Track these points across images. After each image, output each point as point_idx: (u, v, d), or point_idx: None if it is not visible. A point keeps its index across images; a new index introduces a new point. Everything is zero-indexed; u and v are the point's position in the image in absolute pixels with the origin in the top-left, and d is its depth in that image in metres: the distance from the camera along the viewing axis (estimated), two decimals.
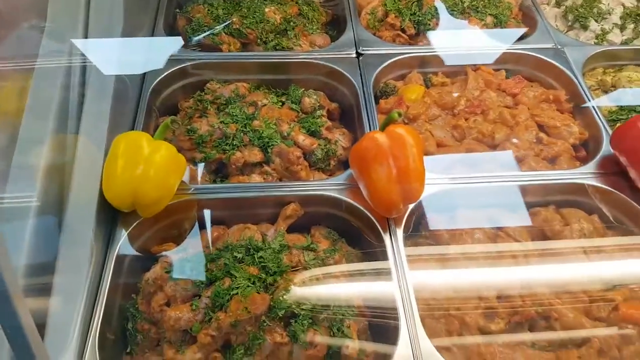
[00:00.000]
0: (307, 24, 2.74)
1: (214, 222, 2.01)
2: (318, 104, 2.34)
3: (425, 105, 2.39)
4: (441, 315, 1.80)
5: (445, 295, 1.84)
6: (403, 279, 1.80)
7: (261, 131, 2.18)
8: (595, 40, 2.81)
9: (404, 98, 2.40)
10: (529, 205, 2.08)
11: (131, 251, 1.89)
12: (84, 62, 2.04)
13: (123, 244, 1.86)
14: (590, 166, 2.16)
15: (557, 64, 2.56)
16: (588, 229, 2.00)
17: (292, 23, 2.68)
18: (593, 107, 2.37)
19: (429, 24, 2.72)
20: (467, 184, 2.09)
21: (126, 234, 1.88)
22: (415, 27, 2.73)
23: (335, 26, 2.89)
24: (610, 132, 2.24)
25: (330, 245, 1.94)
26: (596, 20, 2.84)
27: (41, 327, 1.53)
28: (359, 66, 2.50)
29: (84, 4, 2.10)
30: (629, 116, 2.33)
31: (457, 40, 2.71)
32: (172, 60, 2.47)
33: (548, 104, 2.45)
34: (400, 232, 1.92)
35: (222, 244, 1.88)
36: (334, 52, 2.57)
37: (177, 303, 1.73)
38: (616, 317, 1.80)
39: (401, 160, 1.82)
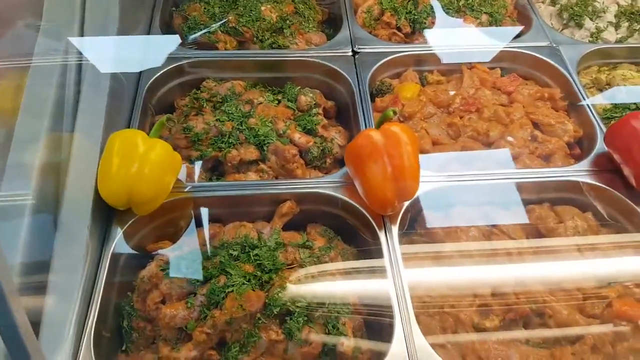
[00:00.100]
0: (303, 22, 2.74)
1: (210, 220, 2.01)
2: (314, 102, 2.34)
3: (421, 103, 2.39)
4: (436, 313, 1.81)
5: (440, 293, 1.85)
6: (398, 277, 1.80)
7: (257, 129, 2.18)
8: (590, 39, 2.82)
9: (400, 96, 2.41)
10: (524, 203, 2.09)
11: (126, 249, 1.89)
12: (80, 61, 2.05)
13: (118, 242, 1.86)
14: (585, 164, 2.17)
15: (552, 62, 2.56)
16: (582, 226, 2.01)
17: (288, 21, 2.69)
18: (587, 105, 2.38)
19: (425, 23, 2.73)
20: (462, 182, 2.10)
21: (121, 232, 1.88)
22: (411, 26, 2.74)
23: (331, 24, 2.90)
24: (604, 129, 2.24)
25: (326, 243, 1.95)
26: (591, 19, 2.85)
27: (36, 325, 1.54)
28: (355, 64, 2.51)
29: (79, 3, 2.10)
30: (623, 114, 2.33)
31: (452, 39, 2.72)
32: (168, 59, 2.47)
33: (543, 102, 2.46)
34: (395, 230, 1.93)
35: (218, 241, 1.88)
36: (330, 50, 2.58)
37: (173, 301, 1.74)
38: (610, 314, 1.81)
39: (396, 158, 1.83)
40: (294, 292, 1.72)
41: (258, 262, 1.78)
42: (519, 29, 2.78)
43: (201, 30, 2.60)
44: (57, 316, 1.61)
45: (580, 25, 2.83)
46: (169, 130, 2.21)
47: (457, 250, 1.94)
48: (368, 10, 2.78)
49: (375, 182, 1.85)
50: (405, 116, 2.35)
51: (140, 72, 2.40)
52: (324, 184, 2.07)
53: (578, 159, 2.25)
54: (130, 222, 1.91)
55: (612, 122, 2.31)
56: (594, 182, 2.11)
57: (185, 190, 2.01)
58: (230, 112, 2.24)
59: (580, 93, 2.43)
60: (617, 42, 2.82)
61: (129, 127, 2.18)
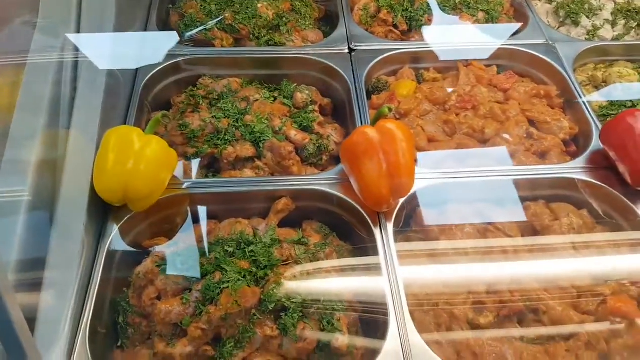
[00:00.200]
0: (299, 20, 2.75)
1: (206, 217, 2.01)
2: (310, 99, 2.34)
3: (417, 100, 2.39)
4: (431, 310, 1.81)
5: (435, 290, 1.85)
6: (393, 274, 1.81)
7: (253, 126, 2.18)
8: (587, 36, 2.82)
9: (396, 93, 2.41)
10: (519, 200, 2.09)
11: (122, 245, 1.89)
12: (76, 58, 2.05)
13: (114, 238, 1.87)
14: (580, 161, 2.17)
15: (548, 59, 2.57)
16: (577, 223, 2.02)
17: (284, 19, 2.69)
18: (583, 102, 2.38)
19: (421, 20, 2.73)
20: (458, 179, 2.10)
21: (117, 228, 1.89)
22: (407, 23, 2.74)
23: (327, 22, 2.90)
24: (600, 127, 2.25)
25: (322, 240, 1.95)
26: (587, 17, 2.85)
27: (32, 322, 1.54)
28: (351, 62, 2.51)
29: (76, 0, 2.10)
30: (619, 111, 2.33)
31: (449, 36, 2.72)
32: (164, 56, 2.47)
33: (539, 99, 2.46)
34: (390, 227, 1.93)
35: (214, 238, 1.88)
36: (327, 47, 2.58)
37: (168, 297, 1.74)
38: (604, 311, 1.82)
39: (391, 154, 1.84)
40: (289, 288, 1.72)
41: (253, 258, 1.78)
42: (515, 26, 2.78)
43: (198, 27, 2.60)
44: (53, 312, 1.61)
45: (576, 23, 2.83)
46: (165, 127, 2.21)
47: (452, 247, 1.94)
48: (364, 7, 2.79)
49: (371, 179, 1.86)
50: (402, 113, 2.36)
51: (137, 69, 2.41)
52: (320, 181, 2.07)
53: (574, 156, 2.25)
54: (126, 218, 1.91)
55: (607, 119, 2.32)
56: (589, 179, 2.11)
57: (181, 187, 2.02)
58: (226, 109, 2.25)
59: (577, 90, 2.44)
60: (613, 39, 2.82)
61: (125, 124, 2.18)
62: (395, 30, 2.74)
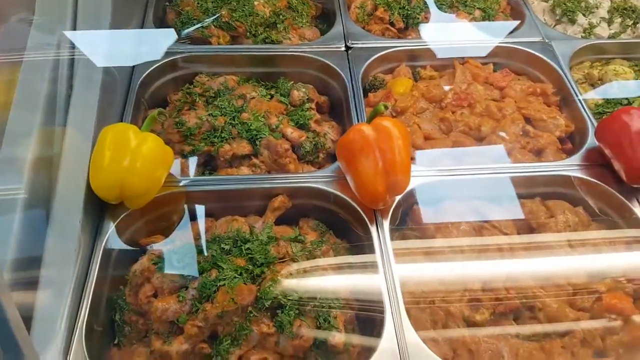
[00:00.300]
0: (296, 17, 2.75)
1: (203, 214, 2.02)
2: (307, 97, 2.35)
3: (413, 98, 2.40)
4: (427, 307, 1.82)
5: (431, 287, 1.86)
6: (389, 271, 1.81)
7: (250, 124, 2.18)
8: (583, 34, 2.82)
9: (393, 91, 2.41)
10: (515, 198, 2.09)
11: (119, 243, 1.89)
12: (73, 55, 2.05)
13: (111, 236, 1.87)
14: (576, 158, 2.18)
15: (544, 57, 2.57)
16: (573, 220, 2.02)
17: (281, 16, 2.69)
18: (579, 100, 2.39)
19: (418, 18, 2.73)
20: (454, 176, 2.11)
21: (114, 226, 1.89)
22: (404, 21, 2.74)
23: (324, 19, 2.90)
24: (596, 124, 2.25)
25: (318, 237, 1.96)
26: (584, 14, 2.85)
27: (28, 320, 1.54)
28: (348, 59, 2.51)
29: None
30: (615, 109, 2.34)
31: (445, 34, 2.72)
32: (161, 53, 2.47)
33: (535, 97, 2.47)
34: (387, 224, 1.93)
35: (210, 235, 1.89)
36: (323, 45, 2.58)
37: (165, 294, 1.74)
38: (600, 308, 1.83)
39: (387, 152, 1.84)
40: (286, 286, 1.73)
41: (250, 256, 1.79)
42: (511, 24, 2.78)
43: (194, 25, 2.60)
44: (49, 311, 1.61)
45: (573, 21, 2.83)
46: (161, 124, 2.22)
47: (448, 244, 1.95)
48: (361, 5, 2.78)
49: (367, 177, 1.86)
50: (398, 111, 2.36)
51: (133, 66, 2.41)
52: (317, 179, 2.07)
53: (569, 153, 2.26)
54: (122, 216, 1.91)
55: (603, 117, 2.32)
56: (585, 177, 2.12)
57: (178, 184, 2.02)
58: (223, 106, 2.25)
59: (573, 88, 2.44)
60: (609, 37, 2.83)
61: (121, 122, 2.18)
62: (392, 28, 2.74)
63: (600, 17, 2.86)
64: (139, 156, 1.79)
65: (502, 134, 2.27)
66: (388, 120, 1.91)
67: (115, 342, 1.79)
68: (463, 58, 2.61)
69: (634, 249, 1.99)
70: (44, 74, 1.90)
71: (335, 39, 2.60)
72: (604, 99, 2.47)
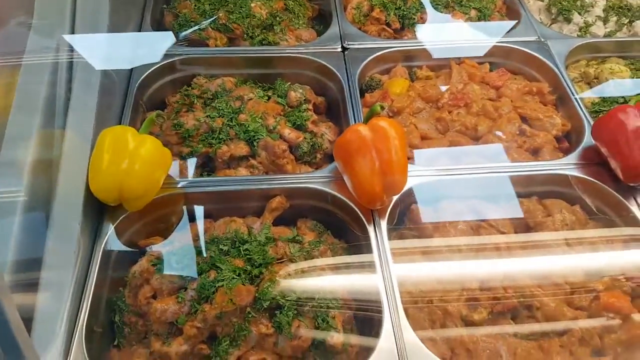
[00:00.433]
0: (293, 19, 2.76)
1: (201, 216, 2.02)
2: (304, 98, 2.35)
3: (410, 98, 2.40)
4: (425, 307, 1.82)
5: (429, 287, 1.86)
6: (387, 271, 1.82)
7: (247, 125, 2.19)
8: (579, 33, 2.83)
9: (389, 92, 2.42)
10: (512, 197, 2.10)
11: (118, 245, 1.90)
12: (71, 58, 2.05)
13: (110, 238, 1.87)
14: (573, 157, 2.19)
15: (540, 56, 2.58)
16: (570, 219, 2.03)
17: (278, 18, 2.70)
18: (576, 99, 2.40)
19: (414, 18, 2.75)
20: (451, 176, 2.11)
21: (113, 227, 1.89)
22: (400, 22, 2.75)
23: (321, 21, 2.91)
24: (592, 123, 2.25)
25: (316, 238, 1.96)
26: (579, 13, 2.86)
27: (28, 322, 1.55)
28: (345, 60, 2.52)
29: (70, 1, 2.11)
30: (611, 107, 2.35)
31: (441, 34, 2.73)
32: (159, 56, 2.48)
33: (531, 96, 2.47)
34: (384, 224, 1.94)
35: (208, 237, 1.89)
36: (320, 46, 2.59)
37: (164, 295, 1.75)
38: (597, 307, 1.83)
39: (384, 152, 1.84)
40: (284, 286, 1.73)
41: (248, 256, 1.79)
42: (507, 23, 2.79)
43: (192, 27, 2.61)
44: (49, 312, 1.62)
45: (568, 20, 2.84)
46: (160, 126, 2.22)
47: (445, 244, 1.95)
48: (357, 6, 2.79)
49: (364, 177, 1.87)
50: (395, 111, 2.37)
51: (132, 69, 2.41)
52: (314, 179, 2.08)
53: (566, 152, 2.26)
54: (121, 218, 1.92)
55: (599, 115, 2.32)
56: (581, 176, 2.13)
57: (176, 186, 2.03)
58: (220, 108, 2.26)
59: (569, 87, 2.45)
60: (605, 36, 2.83)
61: (120, 124, 2.19)
62: (388, 29, 2.75)
63: (596, 16, 2.87)
64: (138, 158, 1.80)
65: (499, 133, 2.28)
66: (384, 121, 1.91)
67: (115, 343, 1.79)
68: (459, 58, 2.61)
69: (632, 247, 2.00)
70: (43, 77, 1.91)
71: (331, 40, 2.61)
72: (600, 97, 2.48)
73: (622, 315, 1.81)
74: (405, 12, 2.74)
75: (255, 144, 2.16)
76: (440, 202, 2.06)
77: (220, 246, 1.82)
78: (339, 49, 2.56)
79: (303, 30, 2.73)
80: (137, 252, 1.92)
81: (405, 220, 2.05)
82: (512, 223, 2.04)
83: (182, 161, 2.17)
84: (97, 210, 1.91)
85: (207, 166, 2.22)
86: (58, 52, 2.02)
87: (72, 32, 2.09)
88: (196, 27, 2.60)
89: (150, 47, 2.55)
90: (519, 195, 2.11)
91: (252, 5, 2.66)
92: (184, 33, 2.60)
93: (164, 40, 2.55)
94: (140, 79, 2.38)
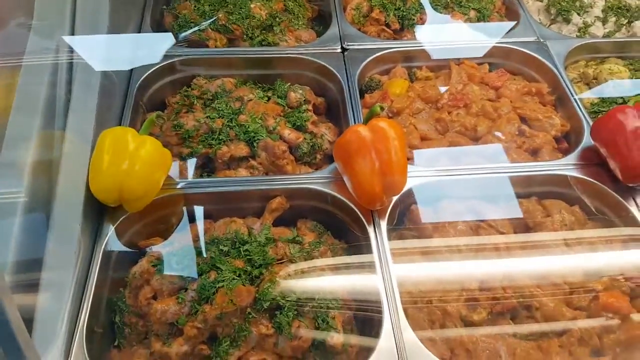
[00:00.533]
0: (292, 20, 2.76)
1: (201, 216, 2.02)
2: (304, 99, 2.35)
3: (409, 99, 2.41)
4: (424, 307, 1.82)
5: (429, 287, 1.86)
6: (387, 272, 1.82)
7: (247, 126, 2.19)
8: (578, 34, 2.83)
9: (389, 92, 2.42)
10: (512, 197, 2.10)
11: (118, 245, 1.90)
12: (71, 59, 2.05)
13: (110, 239, 1.88)
14: (572, 157, 2.19)
15: (539, 57, 2.59)
16: (569, 219, 2.03)
17: (277, 19, 2.70)
18: (575, 99, 2.40)
19: (413, 19, 2.75)
20: (450, 177, 2.12)
21: (113, 228, 1.90)
22: (399, 22, 2.76)
23: (320, 21, 2.91)
24: (591, 123, 2.26)
25: (316, 238, 1.96)
26: (578, 14, 2.86)
27: (29, 322, 1.55)
28: (344, 61, 2.52)
29: (70, 2, 2.11)
30: (610, 108, 2.35)
31: (441, 35, 2.74)
32: (159, 57, 2.48)
33: (530, 96, 2.48)
34: (384, 225, 1.94)
35: (209, 237, 1.89)
36: (320, 47, 2.59)
37: (164, 296, 1.75)
38: (597, 307, 1.83)
39: (383, 153, 1.85)
40: (284, 287, 1.74)
41: (248, 257, 1.80)
42: (507, 24, 2.79)
43: (191, 28, 2.61)
44: (50, 313, 1.62)
45: (567, 20, 2.85)
46: (160, 127, 2.23)
47: (445, 244, 1.95)
48: (357, 7, 2.80)
49: (364, 177, 1.87)
50: (394, 112, 2.37)
51: (132, 70, 2.41)
52: (314, 180, 2.08)
53: (565, 153, 2.27)
54: (121, 218, 1.92)
55: (599, 116, 2.33)
56: (580, 176, 2.13)
57: (176, 187, 2.03)
58: (220, 109, 2.26)
59: (568, 87, 2.45)
60: (604, 36, 2.83)
61: (120, 125, 2.19)
62: (388, 30, 2.75)
63: (595, 16, 2.87)
64: (138, 159, 1.80)
65: (498, 133, 2.28)
66: (384, 121, 1.92)
67: (116, 343, 1.80)
68: (459, 59, 2.62)
69: (630, 248, 2.00)
70: (43, 78, 1.91)
71: (331, 40, 2.61)
72: (599, 98, 2.49)
73: (621, 315, 1.82)
74: (404, 13, 2.75)
75: (255, 144, 2.16)
76: (440, 203, 2.06)
77: (221, 247, 1.83)
78: (339, 50, 2.57)
79: (303, 31, 2.73)
80: (137, 253, 1.92)
81: (405, 220, 2.05)
82: (511, 223, 2.05)
83: (182, 162, 2.17)
84: (97, 211, 1.91)
85: (207, 167, 2.22)
86: (58, 53, 2.02)
87: (72, 33, 2.10)
88: (196, 28, 2.60)
89: (150, 48, 2.56)
90: (519, 196, 2.11)
91: (252, 6, 2.66)
92: (183, 34, 2.61)
93: (163, 41, 2.56)
94: (140, 80, 2.38)
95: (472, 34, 2.73)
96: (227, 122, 2.21)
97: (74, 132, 1.93)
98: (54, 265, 1.69)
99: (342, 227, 2.05)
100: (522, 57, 2.62)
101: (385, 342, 1.67)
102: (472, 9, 2.81)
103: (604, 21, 2.87)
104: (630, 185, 2.07)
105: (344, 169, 1.95)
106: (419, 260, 1.95)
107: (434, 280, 1.90)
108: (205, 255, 1.82)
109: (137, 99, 2.33)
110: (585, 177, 2.12)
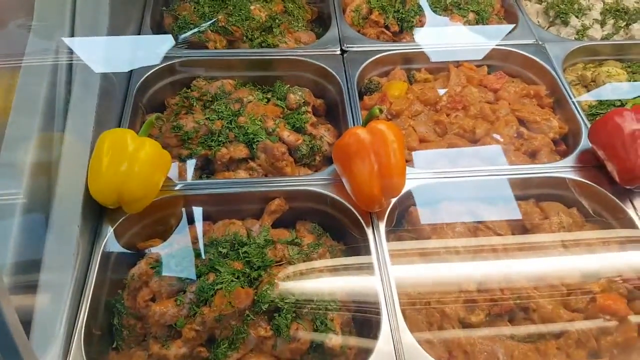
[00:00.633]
0: (292, 21, 2.76)
1: (200, 218, 2.03)
2: (303, 100, 2.36)
3: (408, 101, 2.41)
4: (422, 308, 1.83)
5: (427, 289, 1.87)
6: (385, 273, 1.83)
7: (246, 127, 2.19)
8: (576, 36, 2.83)
9: (388, 94, 2.43)
10: (510, 199, 2.11)
11: (117, 247, 1.91)
12: (71, 60, 2.06)
13: (109, 240, 1.88)
14: (570, 160, 2.19)
15: (538, 59, 2.59)
16: (567, 221, 2.04)
17: (277, 20, 2.70)
18: (573, 101, 2.40)
19: (412, 21, 2.75)
20: (449, 179, 2.12)
21: (112, 230, 1.90)
22: (398, 24, 2.76)
23: (320, 23, 2.92)
24: (589, 126, 2.26)
25: (315, 240, 1.97)
26: (577, 16, 2.86)
27: (27, 324, 1.55)
28: (344, 63, 2.53)
29: (70, 3, 2.11)
30: (608, 110, 2.35)
31: (440, 37, 2.74)
32: (158, 58, 2.49)
33: (529, 99, 2.48)
34: (382, 227, 1.95)
35: (208, 239, 1.90)
36: (319, 49, 2.59)
37: (162, 298, 1.75)
38: (594, 309, 1.84)
39: (382, 155, 1.85)
40: (283, 289, 1.74)
41: (247, 259, 1.80)
42: (505, 27, 2.79)
43: (191, 29, 2.61)
44: (48, 314, 1.62)
45: (566, 23, 2.85)
46: (159, 129, 2.23)
47: (443, 246, 1.96)
48: (356, 9, 2.80)
49: (362, 179, 1.87)
50: (393, 114, 2.38)
51: (131, 71, 2.42)
52: (313, 182, 2.09)
53: (563, 155, 2.27)
54: (120, 220, 1.92)
55: (597, 118, 2.33)
56: (578, 178, 2.13)
57: (175, 188, 2.03)
58: (220, 110, 2.26)
59: (566, 90, 2.46)
60: (602, 39, 2.84)
61: (119, 126, 2.20)
62: (387, 32, 2.75)
63: (593, 19, 2.88)
64: (137, 161, 1.80)
65: (497, 136, 2.28)
66: (383, 124, 1.92)
67: (114, 346, 1.80)
68: (457, 61, 2.62)
69: (628, 250, 2.00)
70: (42, 79, 1.92)
71: (330, 42, 2.62)
72: (597, 100, 2.49)
73: (618, 317, 1.82)
74: (404, 15, 2.75)
75: (254, 146, 2.16)
76: (438, 205, 2.07)
77: (219, 249, 1.83)
78: (338, 52, 2.57)
79: (302, 32, 2.74)
80: (136, 255, 1.92)
81: (403, 222, 2.05)
82: (509, 225, 2.05)
83: (181, 163, 2.17)
84: (96, 213, 1.92)
85: (206, 168, 2.22)
86: (58, 54, 2.03)
87: (72, 34, 2.10)
88: (196, 30, 2.60)
89: (149, 50, 2.56)
90: (517, 198, 2.12)
91: (252, 7, 2.66)
92: (183, 35, 2.61)
93: (163, 43, 2.56)
94: (140, 81, 2.38)
95: (471, 37, 2.73)
96: (227, 123, 2.21)
97: (73, 133, 1.93)
98: (53, 267, 1.69)
99: (341, 229, 2.05)
100: (520, 59, 2.63)
101: (383, 344, 1.68)
102: (471, 11, 2.82)
103: (602, 24, 2.87)
104: (628, 187, 2.07)
105: (343, 171, 1.96)
106: (417, 262, 1.95)
107: (432, 282, 1.91)
108: (204, 257, 1.82)
109: (137, 101, 2.33)
110: (583, 180, 2.13)
